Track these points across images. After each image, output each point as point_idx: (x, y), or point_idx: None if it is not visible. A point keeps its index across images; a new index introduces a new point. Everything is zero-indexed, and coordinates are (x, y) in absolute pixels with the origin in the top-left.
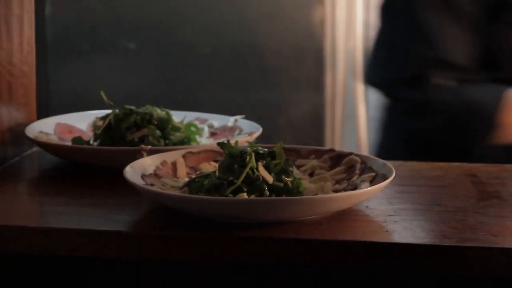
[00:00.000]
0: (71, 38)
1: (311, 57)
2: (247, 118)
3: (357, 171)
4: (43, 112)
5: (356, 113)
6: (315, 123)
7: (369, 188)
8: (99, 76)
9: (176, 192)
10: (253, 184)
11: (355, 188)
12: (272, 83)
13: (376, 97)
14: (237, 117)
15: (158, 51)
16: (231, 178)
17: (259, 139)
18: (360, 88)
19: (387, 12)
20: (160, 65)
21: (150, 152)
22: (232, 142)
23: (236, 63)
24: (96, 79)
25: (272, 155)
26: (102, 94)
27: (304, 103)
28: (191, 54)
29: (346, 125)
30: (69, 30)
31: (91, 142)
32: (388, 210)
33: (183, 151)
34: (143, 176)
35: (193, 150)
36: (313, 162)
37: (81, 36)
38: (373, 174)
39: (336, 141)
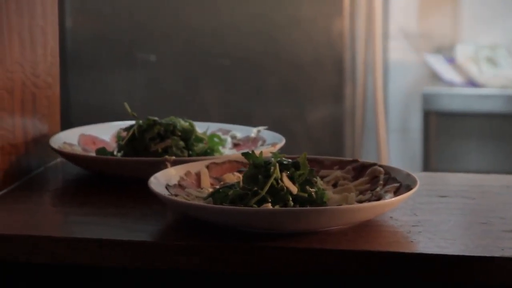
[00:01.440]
0: (91, 50)
1: (330, 68)
2: (266, 129)
3: (381, 182)
4: (65, 123)
5: (376, 124)
6: (335, 134)
7: (393, 199)
8: (119, 88)
9: (201, 203)
10: (278, 194)
11: (379, 199)
12: (291, 95)
13: (396, 108)
14: (260, 128)
15: (178, 63)
16: (255, 188)
17: (278, 150)
18: (380, 99)
19: None
20: (180, 77)
21: (174, 163)
22: (257, 152)
23: (255, 75)
24: (116, 91)
25: (296, 165)
26: (126, 105)
27: (324, 114)
28: (210, 65)
29: (366, 136)
30: (89, 42)
31: (115, 153)
32: (413, 221)
33: (207, 162)
34: (168, 187)
35: (216, 160)
36: (336, 173)
37: (101, 48)
38: (397, 184)
39: (356, 152)
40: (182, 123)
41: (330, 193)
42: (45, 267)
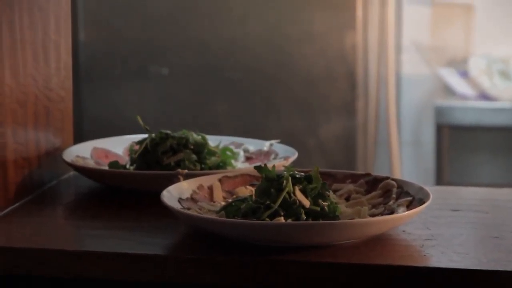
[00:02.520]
0: (104, 63)
1: (343, 82)
2: (278, 142)
3: (394, 196)
4: (77, 136)
5: (389, 137)
6: (348, 147)
7: (406, 213)
8: (132, 101)
9: (213, 216)
10: (290, 208)
11: (391, 213)
12: (304, 108)
13: (408, 122)
14: (273, 141)
15: (191, 76)
16: (268, 202)
17: (291, 164)
18: (392, 112)
19: None
20: (192, 90)
21: (187, 176)
22: (269, 166)
23: (268, 88)
24: (129, 104)
25: (308, 179)
26: (139, 118)
27: (336, 128)
28: (223, 79)
29: (378, 149)
30: (102, 56)
31: (128, 166)
32: (425, 235)
33: (219, 175)
34: (180, 200)
35: (229, 174)
36: (349, 187)
37: (114, 62)
38: (410, 198)
39: (368, 165)
40: (195, 136)
41: (342, 207)
42: (58, 280)
